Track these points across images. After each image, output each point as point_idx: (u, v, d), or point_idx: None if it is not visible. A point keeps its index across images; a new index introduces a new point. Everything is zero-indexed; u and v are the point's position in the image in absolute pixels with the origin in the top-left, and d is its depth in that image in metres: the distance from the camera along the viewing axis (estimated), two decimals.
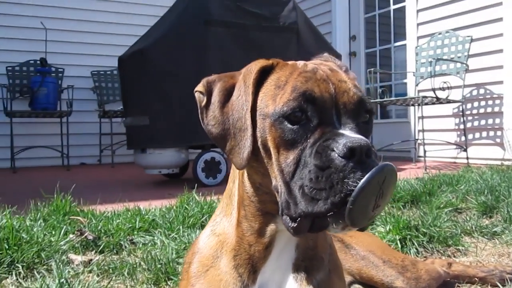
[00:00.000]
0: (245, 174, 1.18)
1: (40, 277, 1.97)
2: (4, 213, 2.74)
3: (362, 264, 1.65)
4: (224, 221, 1.23)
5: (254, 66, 1.14)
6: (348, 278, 1.66)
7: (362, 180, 0.92)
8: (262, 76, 1.14)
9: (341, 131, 1.01)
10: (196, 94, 1.19)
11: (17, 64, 7.73)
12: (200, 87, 1.19)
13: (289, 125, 1.03)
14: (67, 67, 8.02)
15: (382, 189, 0.95)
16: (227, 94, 1.15)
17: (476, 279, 1.97)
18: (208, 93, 1.17)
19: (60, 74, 7.89)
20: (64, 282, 1.84)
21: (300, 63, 1.15)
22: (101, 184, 5.45)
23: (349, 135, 0.98)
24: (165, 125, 4.94)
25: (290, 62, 1.17)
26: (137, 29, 6.83)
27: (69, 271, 2.04)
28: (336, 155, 0.95)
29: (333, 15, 8.82)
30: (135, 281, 2.03)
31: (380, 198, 0.95)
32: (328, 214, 0.95)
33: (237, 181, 1.22)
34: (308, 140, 1.02)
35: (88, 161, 8.53)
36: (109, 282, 1.99)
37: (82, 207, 3.27)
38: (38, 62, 7.68)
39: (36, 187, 3.44)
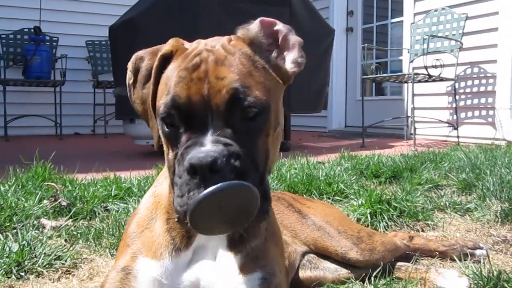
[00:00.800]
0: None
1: (4, 238, 1.99)
2: None
3: (317, 234, 1.66)
4: (165, 183, 1.24)
5: (159, 53, 1.14)
6: (303, 248, 1.67)
7: (192, 201, 0.94)
8: (166, 62, 1.13)
9: (205, 138, 0.99)
10: (127, 72, 1.21)
11: (11, 32, 7.70)
12: (129, 64, 1.21)
13: (165, 127, 1.05)
14: (61, 36, 7.98)
15: (225, 204, 0.94)
16: (148, 74, 1.17)
17: (437, 253, 1.99)
18: (135, 70, 1.19)
19: (54, 43, 7.86)
20: (26, 244, 1.86)
21: (194, 51, 1.11)
22: (89, 154, 5.47)
23: (201, 148, 0.97)
24: None
25: (188, 49, 1.13)
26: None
27: (33, 234, 2.05)
28: (184, 169, 0.97)
29: None
30: (98, 246, 2.06)
31: (229, 210, 0.95)
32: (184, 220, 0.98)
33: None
34: (179, 144, 1.03)
35: (82, 131, 8.54)
36: (71, 245, 2.02)
37: (62, 175, 3.29)
38: (32, 30, 7.63)
39: (25, 155, 3.45)
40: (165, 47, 1.15)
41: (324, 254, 1.68)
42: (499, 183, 2.92)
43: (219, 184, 0.93)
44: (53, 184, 2.92)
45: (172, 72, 1.09)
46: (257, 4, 5.27)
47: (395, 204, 2.55)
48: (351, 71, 8.68)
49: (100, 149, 6.20)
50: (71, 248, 1.98)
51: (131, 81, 1.19)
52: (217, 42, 1.14)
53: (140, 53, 1.21)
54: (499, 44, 6.03)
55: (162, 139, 1.10)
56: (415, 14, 7.18)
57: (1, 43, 7.59)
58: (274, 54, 1.17)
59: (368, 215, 2.47)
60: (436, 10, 6.57)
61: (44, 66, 7.56)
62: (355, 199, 2.71)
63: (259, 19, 1.19)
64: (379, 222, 2.44)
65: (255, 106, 1.03)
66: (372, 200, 2.57)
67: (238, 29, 1.20)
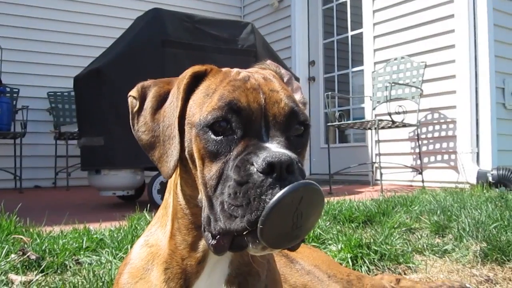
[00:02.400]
0: (178, 185, 1.14)
1: None
2: None
3: (307, 279, 1.62)
4: (159, 232, 1.19)
5: (188, 72, 1.11)
6: None
7: (273, 199, 0.88)
8: (195, 82, 1.10)
9: (266, 144, 0.96)
10: (129, 99, 1.16)
11: None
12: (134, 91, 1.16)
13: (212, 136, 0.99)
14: (22, 87, 7.83)
15: (300, 209, 0.90)
16: (161, 100, 1.12)
17: None
18: (142, 98, 1.14)
19: (15, 95, 7.69)
20: None
21: (234, 70, 1.12)
22: (53, 206, 5.29)
23: (272, 149, 0.94)
24: (120, 145, 4.84)
25: (224, 69, 1.13)
26: (95, 50, 6.72)
27: None
28: (255, 169, 0.91)
29: (293, 40, 8.93)
30: None
31: (299, 218, 0.90)
32: (245, 233, 0.91)
33: (172, 192, 1.18)
34: (231, 153, 0.98)
35: (43, 184, 8.28)
36: None
37: (29, 227, 3.15)
38: None
39: None
40: (196, 67, 1.12)
41: None
42: (473, 223, 2.95)
43: (303, 181, 0.90)
44: (20, 236, 2.78)
45: (216, 84, 1.07)
46: (224, 54, 5.34)
47: (375, 248, 2.54)
48: (315, 119, 8.81)
49: (65, 202, 6.01)
50: None
51: (136, 108, 1.14)
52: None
53: (145, 82, 1.17)
54: (458, 91, 6.25)
55: (196, 154, 1.02)
56: (375, 63, 7.40)
57: None
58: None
59: (349, 260, 2.44)
60: (396, 59, 6.80)
61: (4, 118, 7.35)
62: (334, 244, 2.69)
63: (268, 61, 1.27)
64: (361, 266, 2.42)
65: (306, 123, 1.06)
66: (352, 244, 2.56)
67: (252, 65, 1.25)
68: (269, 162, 0.90)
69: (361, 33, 7.81)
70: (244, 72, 1.10)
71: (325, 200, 0.96)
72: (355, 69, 8.27)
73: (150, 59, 4.94)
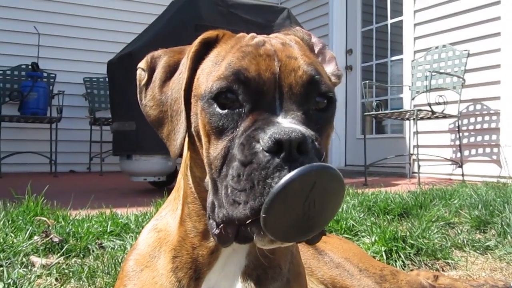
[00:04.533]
0: (188, 167, 1.02)
1: None
2: None
3: (336, 272, 1.50)
4: (169, 216, 1.08)
5: (198, 39, 0.99)
6: None
7: (278, 184, 0.74)
8: (206, 50, 0.98)
9: (278, 119, 0.83)
10: (138, 71, 1.04)
11: (9, 68, 7.60)
12: (142, 63, 1.05)
13: (218, 109, 0.87)
14: (59, 72, 7.89)
15: (312, 196, 0.75)
16: (170, 71, 1.01)
17: None
18: (151, 70, 1.03)
19: (52, 80, 7.76)
20: (12, 283, 1.68)
21: (249, 35, 0.98)
22: (84, 191, 5.28)
23: (283, 124, 0.80)
24: (152, 131, 4.75)
25: (238, 34, 1.00)
26: (130, 36, 6.70)
27: (20, 272, 1.87)
28: (261, 148, 0.78)
29: (330, 28, 8.74)
30: (92, 286, 1.87)
31: (311, 208, 0.76)
32: (247, 222, 0.78)
33: (183, 173, 1.06)
34: (238, 129, 0.85)
35: (77, 169, 8.36)
36: (62, 285, 1.83)
37: (55, 210, 3.11)
38: (30, 66, 7.55)
39: (17, 191, 3.27)
40: (207, 33, 1.00)
41: None
42: None
43: (316, 164, 0.76)
44: (44, 219, 2.74)
45: (226, 51, 0.94)
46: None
47: (411, 242, 2.39)
48: (351, 110, 8.61)
49: (96, 186, 6.02)
50: None
51: (144, 81, 1.03)
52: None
53: (156, 52, 1.06)
54: (502, 81, 5.96)
55: (201, 131, 0.91)
56: (415, 52, 7.15)
57: None
58: (319, 59, 1.07)
59: (383, 253, 2.30)
60: (437, 47, 6.54)
61: (40, 103, 7.44)
62: (368, 236, 2.55)
63: (297, 27, 1.11)
64: (395, 260, 2.28)
65: (331, 94, 0.91)
66: (387, 237, 2.41)
67: (279, 31, 1.11)
68: (277, 139, 0.77)
69: (401, 20, 7.56)
70: (260, 37, 0.96)
71: (345, 188, 0.81)
72: (394, 58, 8.02)
73: (183, 43, 4.83)
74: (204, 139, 0.91)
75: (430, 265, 2.29)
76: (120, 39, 7.92)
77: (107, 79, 7.90)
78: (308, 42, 1.09)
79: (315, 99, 0.90)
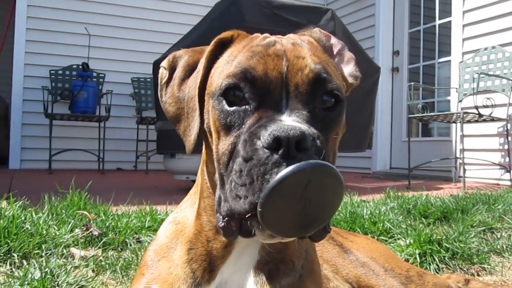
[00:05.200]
0: (204, 162, 1.07)
1: (28, 266, 1.89)
2: (13, 204, 2.71)
3: (361, 271, 1.50)
4: (187, 210, 1.12)
5: (214, 39, 1.04)
6: (345, 286, 1.50)
7: (273, 179, 0.76)
8: (222, 50, 1.02)
9: (282, 117, 0.85)
10: (160, 70, 1.11)
11: (60, 68, 7.88)
12: (165, 62, 1.11)
13: (226, 106, 0.91)
14: (108, 72, 8.14)
15: (307, 194, 0.77)
16: (189, 70, 1.06)
17: None
18: (172, 68, 1.09)
19: (101, 79, 8.01)
20: (49, 272, 1.76)
21: (262, 35, 1.02)
22: (128, 188, 5.41)
23: (285, 122, 0.82)
24: None
25: (253, 35, 1.04)
26: (176, 37, 6.83)
27: (58, 263, 1.96)
28: (261, 144, 0.80)
29: (377, 29, 8.64)
30: (125, 277, 1.94)
31: (307, 205, 0.78)
32: (247, 216, 0.81)
33: (200, 169, 1.11)
34: (244, 126, 0.88)
35: (124, 167, 8.58)
36: (96, 275, 1.90)
37: (97, 205, 3.22)
38: (80, 67, 7.80)
39: (63, 187, 3.41)
40: (223, 34, 1.05)
41: None
42: None
43: (313, 161, 0.78)
44: (85, 213, 2.84)
45: (237, 51, 0.98)
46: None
47: (447, 245, 2.35)
48: (397, 112, 8.48)
49: (140, 184, 6.17)
50: (96, 279, 1.86)
51: (165, 79, 1.09)
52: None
53: (177, 52, 1.11)
54: None
55: (212, 127, 0.95)
56: (463, 53, 6.98)
57: (50, 79, 7.78)
58: (335, 60, 1.10)
59: (417, 256, 2.28)
60: (486, 49, 6.37)
61: (90, 102, 7.68)
62: (403, 239, 2.52)
63: (317, 28, 1.14)
64: (429, 264, 2.25)
65: (338, 93, 0.92)
66: (422, 240, 2.38)
67: (297, 31, 1.14)
68: (276, 136, 0.79)
69: (450, 21, 7.40)
70: (272, 38, 0.99)
71: (343, 186, 0.81)
72: (441, 59, 7.85)
73: None
74: (214, 135, 0.94)
75: (465, 269, 2.25)
76: (166, 40, 8.08)
77: (153, 79, 8.12)
78: (324, 43, 1.11)
79: (322, 98, 0.92)
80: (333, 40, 1.15)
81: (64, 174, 7.15)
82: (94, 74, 7.93)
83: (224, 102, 0.91)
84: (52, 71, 7.83)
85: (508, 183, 5.87)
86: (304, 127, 0.82)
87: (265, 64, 0.90)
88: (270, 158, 0.80)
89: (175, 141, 5.02)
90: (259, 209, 0.77)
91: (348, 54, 1.14)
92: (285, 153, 0.79)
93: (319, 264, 1.19)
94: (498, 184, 6.16)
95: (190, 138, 1.02)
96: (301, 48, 0.96)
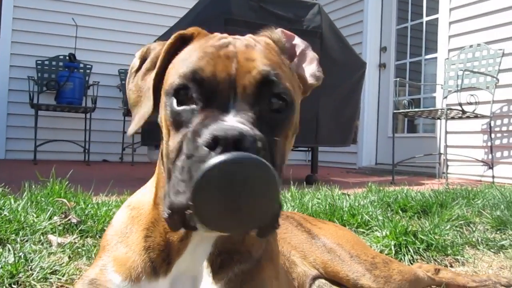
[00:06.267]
0: (162, 154, 1.07)
1: (2, 250, 1.90)
2: None
3: (327, 257, 1.52)
4: (145, 197, 1.13)
5: (174, 34, 1.06)
6: (313, 272, 1.53)
7: (199, 173, 0.79)
8: (183, 45, 1.05)
9: (226, 117, 0.87)
10: (133, 60, 1.14)
11: (47, 58, 7.84)
12: (138, 52, 1.14)
13: (175, 105, 0.93)
14: (95, 64, 8.10)
15: (236, 188, 0.78)
16: (156, 61, 1.08)
17: None
18: (143, 59, 1.12)
19: (88, 71, 7.97)
20: (23, 256, 1.76)
21: (219, 35, 1.04)
22: (112, 179, 5.42)
23: (226, 122, 0.85)
24: None
25: (212, 34, 1.06)
26: (164, 29, 6.81)
27: (33, 248, 1.96)
28: (201, 143, 0.83)
29: (365, 25, 8.67)
30: None
31: (238, 199, 0.79)
32: (186, 211, 0.83)
33: (159, 159, 1.11)
34: (191, 125, 0.90)
35: (110, 158, 8.57)
36: (70, 260, 1.91)
37: (78, 194, 3.22)
38: (67, 57, 7.76)
39: (45, 176, 3.40)
40: (185, 30, 1.07)
41: (334, 280, 1.53)
42: None
43: (237, 152, 0.79)
44: (65, 200, 2.84)
45: (193, 50, 1.00)
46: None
47: (422, 237, 2.38)
48: (383, 108, 8.53)
49: (124, 175, 6.15)
50: (70, 264, 1.87)
51: (135, 69, 1.12)
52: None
53: (153, 44, 1.14)
54: None
55: (163, 123, 0.98)
56: (449, 50, 7.03)
57: (36, 69, 7.74)
58: (295, 61, 1.12)
59: (392, 247, 2.30)
60: (471, 46, 6.42)
61: (76, 93, 7.65)
62: (379, 230, 2.55)
63: (279, 29, 1.15)
64: (404, 255, 2.27)
65: (285, 95, 0.94)
66: (397, 231, 2.41)
67: (261, 30, 1.16)
68: (214, 135, 0.82)
69: (436, 19, 7.45)
70: (228, 38, 1.01)
71: (275, 179, 0.81)
72: (428, 56, 7.90)
73: None
74: (164, 131, 0.97)
75: (439, 260, 2.28)
76: (154, 32, 8.01)
77: None
78: (284, 44, 1.12)
79: (269, 100, 0.93)
80: (296, 40, 1.16)
81: (49, 164, 7.08)
82: (81, 65, 7.89)
83: (174, 101, 0.94)
84: (38, 61, 7.79)
85: (491, 179, 5.93)
86: (245, 127, 0.84)
87: (215, 66, 0.92)
88: (207, 156, 0.81)
89: (159, 132, 5.03)
90: (190, 203, 0.80)
91: (311, 54, 1.16)
92: (222, 151, 0.81)
93: (278, 254, 1.20)
94: (480, 181, 6.23)
95: (134, 123, 1.07)
96: (253, 50, 0.98)
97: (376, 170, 7.99)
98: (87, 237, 2.40)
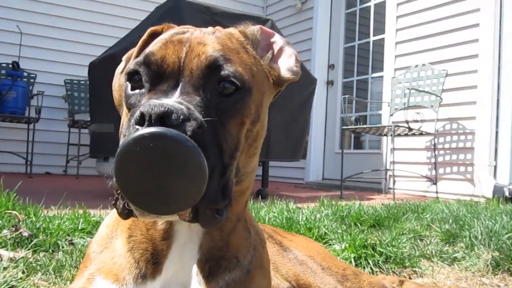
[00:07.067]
0: None
1: None
2: None
3: (299, 269, 1.52)
4: None
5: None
6: (285, 285, 1.52)
7: (120, 144, 0.78)
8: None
9: (165, 99, 0.86)
10: (121, 62, 1.16)
11: None
12: (125, 55, 1.16)
13: (129, 90, 0.95)
14: (39, 73, 7.82)
15: (155, 164, 0.76)
16: None
17: None
18: (128, 60, 1.14)
19: (32, 80, 7.68)
20: None
21: (183, 26, 1.07)
22: (59, 192, 5.23)
23: (162, 102, 0.83)
24: None
25: (178, 27, 1.08)
26: (113, 40, 6.69)
27: None
28: (132, 121, 0.82)
29: (314, 42, 8.83)
30: (59, 278, 1.86)
31: (157, 174, 0.76)
32: (118, 192, 0.82)
33: None
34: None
35: (53, 171, 8.28)
36: (27, 276, 1.82)
37: (27, 206, 3.08)
38: (10, 65, 7.48)
39: None
40: (156, 26, 1.10)
41: None
42: (486, 232, 2.82)
43: (155, 128, 0.77)
44: (14, 212, 2.71)
45: (155, 40, 1.00)
46: None
47: (381, 249, 2.42)
48: (330, 124, 8.69)
49: (71, 188, 5.95)
50: (27, 279, 1.78)
51: (120, 69, 1.14)
52: None
53: None
54: (478, 102, 6.08)
55: (125, 108, 0.98)
56: (395, 70, 7.26)
57: None
58: (268, 55, 1.11)
59: (352, 260, 2.33)
60: (416, 66, 6.66)
61: (19, 102, 7.35)
62: (338, 243, 2.58)
63: (258, 25, 1.16)
64: (364, 267, 2.31)
65: (234, 79, 0.92)
66: (357, 244, 2.44)
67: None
68: (141, 112, 0.81)
69: (383, 38, 7.68)
70: (190, 28, 1.04)
71: (194, 155, 0.77)
72: (374, 75, 8.13)
73: None
74: (124, 116, 1.01)
75: (397, 272, 2.33)
76: (102, 42, 7.88)
77: (87, 82, 7.90)
78: (255, 37, 1.11)
79: (218, 84, 0.92)
80: (276, 37, 1.16)
81: None
82: (25, 74, 7.59)
83: (128, 86, 0.95)
84: None
85: (434, 195, 6.13)
86: (179, 106, 0.83)
87: (165, 50, 0.93)
88: (136, 133, 0.79)
89: (109, 144, 4.90)
90: (114, 180, 0.78)
91: (289, 51, 1.15)
92: (147, 127, 0.79)
93: (269, 261, 1.19)
94: (424, 196, 6.42)
95: (121, 123, 1.06)
96: (207, 36, 0.98)
97: (323, 185, 8.10)
98: (40, 251, 2.30)
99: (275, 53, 1.13)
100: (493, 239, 2.71)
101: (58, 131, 8.19)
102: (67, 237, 2.51)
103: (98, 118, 5.08)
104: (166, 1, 5.33)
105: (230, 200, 0.90)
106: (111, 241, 1.06)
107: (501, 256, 2.41)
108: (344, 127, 6.65)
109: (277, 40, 1.15)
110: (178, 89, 0.89)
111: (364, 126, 6.61)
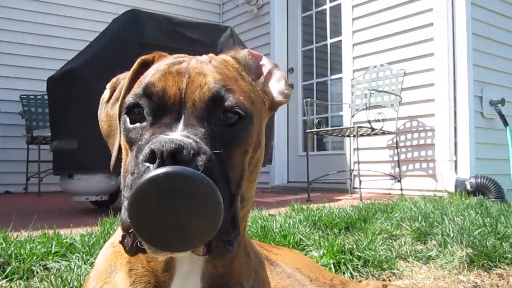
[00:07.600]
0: None
1: None
2: None
3: (287, 282, 1.52)
4: None
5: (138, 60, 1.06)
6: None
7: (135, 185, 0.77)
8: (145, 70, 1.03)
9: (171, 133, 0.85)
10: (105, 91, 1.14)
11: None
12: (109, 83, 1.14)
13: (128, 123, 0.92)
14: None
15: (170, 203, 0.76)
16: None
17: None
18: (113, 89, 1.12)
19: None
20: None
21: (177, 55, 1.04)
22: (22, 212, 5.09)
23: (170, 136, 0.82)
24: (94, 149, 4.66)
25: (171, 56, 1.06)
26: (70, 53, 6.56)
27: None
28: (141, 158, 0.81)
29: (272, 47, 8.87)
30: None
31: (175, 215, 0.76)
32: (130, 230, 0.80)
33: None
34: (140, 142, 0.88)
35: (13, 189, 8.04)
36: None
37: None
38: None
39: None
40: (147, 55, 1.07)
41: None
42: (457, 229, 2.90)
43: (172, 167, 0.76)
44: None
45: (149, 70, 0.99)
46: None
47: (359, 254, 2.46)
48: (293, 127, 8.75)
49: (35, 207, 5.80)
50: None
51: (106, 99, 1.11)
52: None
53: (122, 74, 1.13)
54: (436, 99, 6.24)
55: (123, 143, 0.95)
56: (354, 71, 7.37)
57: None
58: (261, 79, 1.12)
59: (332, 266, 2.35)
60: (375, 67, 6.78)
61: None
62: (316, 250, 2.59)
63: (246, 50, 1.16)
64: (343, 272, 2.33)
65: (238, 109, 0.92)
66: (335, 250, 2.47)
67: (198, 49, 1.19)
68: (151, 149, 0.80)
69: (340, 41, 7.80)
70: (182, 58, 1.01)
71: (212, 192, 0.77)
72: (334, 76, 8.24)
73: (126, 61, 4.77)
74: (124, 152, 0.96)
75: (377, 275, 2.36)
76: (59, 56, 7.72)
77: (45, 97, 7.69)
78: (247, 62, 1.12)
79: (221, 115, 0.92)
80: (264, 60, 1.17)
81: None
82: None
83: (127, 119, 0.93)
84: None
85: (399, 192, 6.25)
86: (188, 140, 0.82)
87: (165, 81, 0.92)
88: (147, 171, 0.79)
89: (73, 161, 4.81)
90: (128, 220, 0.77)
91: (278, 74, 1.17)
92: (160, 165, 0.78)
93: (269, 282, 1.19)
94: (390, 194, 6.54)
95: (113, 155, 1.05)
96: (206, 66, 0.97)
97: (289, 188, 8.14)
98: (14, 279, 2.23)
99: (264, 76, 1.14)
100: (464, 235, 2.79)
101: (16, 148, 7.95)
102: (41, 262, 2.44)
103: (60, 134, 4.96)
104: (124, 13, 5.25)
105: (238, 229, 0.90)
106: (110, 276, 1.03)
107: (474, 252, 2.48)
108: (307, 131, 6.71)
109: (265, 63, 1.16)
110: (181, 122, 0.87)
111: (328, 128, 6.69)
